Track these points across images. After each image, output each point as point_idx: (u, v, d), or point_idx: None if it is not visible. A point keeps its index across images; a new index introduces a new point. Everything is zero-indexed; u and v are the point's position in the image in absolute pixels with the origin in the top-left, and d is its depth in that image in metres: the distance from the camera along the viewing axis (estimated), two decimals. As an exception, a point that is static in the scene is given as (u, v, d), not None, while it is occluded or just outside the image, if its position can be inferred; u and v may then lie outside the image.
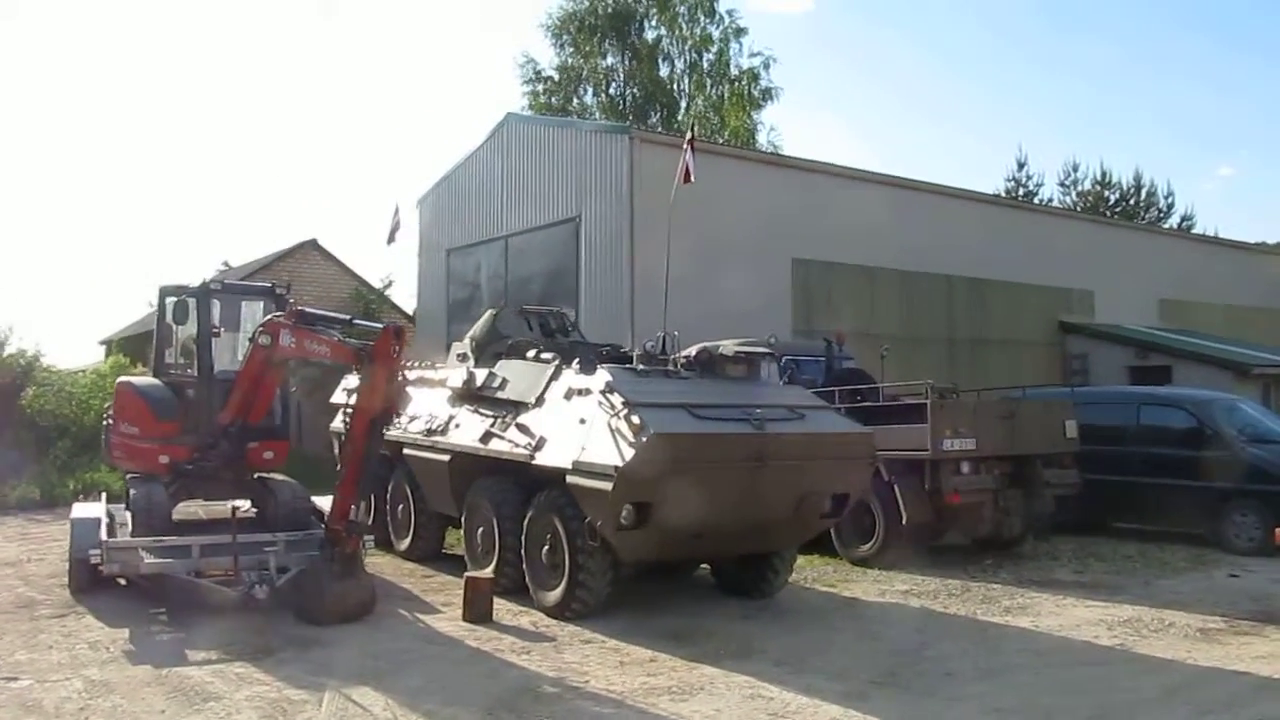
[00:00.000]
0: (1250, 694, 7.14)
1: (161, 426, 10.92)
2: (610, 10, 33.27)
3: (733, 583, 10.48)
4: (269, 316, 10.32)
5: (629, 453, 8.43)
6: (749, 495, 9.00)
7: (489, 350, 11.92)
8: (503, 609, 9.56)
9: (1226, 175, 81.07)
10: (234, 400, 10.57)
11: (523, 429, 9.92)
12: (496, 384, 10.89)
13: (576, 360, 10.01)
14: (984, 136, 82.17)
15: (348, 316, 10.26)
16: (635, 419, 8.56)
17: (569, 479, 9.01)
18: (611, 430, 8.71)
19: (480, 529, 10.69)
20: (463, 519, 11.02)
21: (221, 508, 11.31)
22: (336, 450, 14.82)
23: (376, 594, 9.47)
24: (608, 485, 8.52)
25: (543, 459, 9.43)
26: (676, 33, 34.30)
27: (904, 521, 11.83)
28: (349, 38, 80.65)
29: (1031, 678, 7.49)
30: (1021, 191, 41.53)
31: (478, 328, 12.44)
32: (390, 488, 12.92)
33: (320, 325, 9.89)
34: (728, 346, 10.05)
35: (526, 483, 9.93)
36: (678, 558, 9.74)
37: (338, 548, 9.14)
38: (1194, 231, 40.30)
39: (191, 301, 11.05)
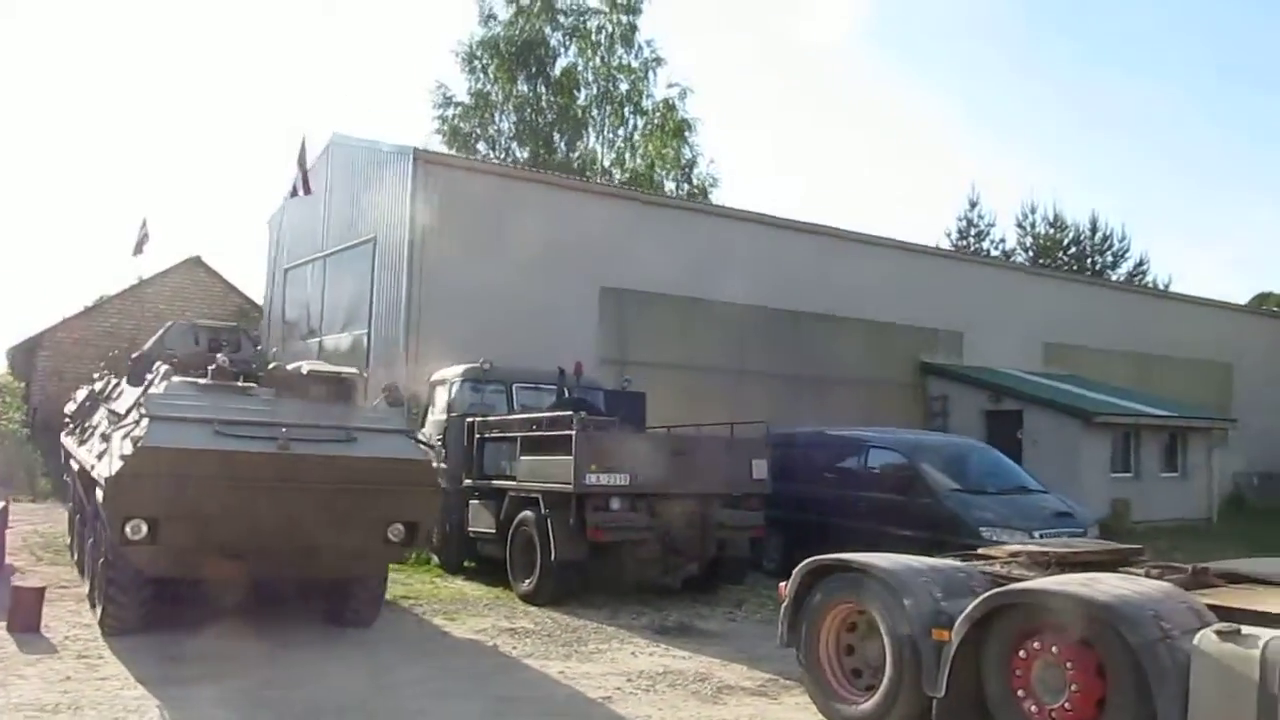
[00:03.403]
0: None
1: None
2: (524, 37, 33.23)
3: (328, 609, 10.21)
4: None
5: (118, 465, 8.27)
6: (277, 517, 8.70)
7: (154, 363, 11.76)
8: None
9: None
10: None
11: (105, 440, 9.77)
12: (116, 398, 10.78)
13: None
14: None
15: None
16: (140, 432, 8.36)
17: (97, 492, 8.88)
18: (120, 442, 8.56)
19: (91, 540, 10.56)
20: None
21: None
22: (64, 460, 14.82)
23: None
24: (102, 497, 8.40)
25: (95, 473, 9.30)
26: (588, 61, 34.26)
27: (553, 558, 11.42)
28: (264, 50, 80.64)
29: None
30: (973, 231, 40.73)
31: (149, 343, 12.30)
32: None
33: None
34: (306, 366, 9.78)
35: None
36: (217, 577, 9.41)
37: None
38: (1142, 282, 39.41)
39: None
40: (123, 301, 25.75)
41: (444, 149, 31.84)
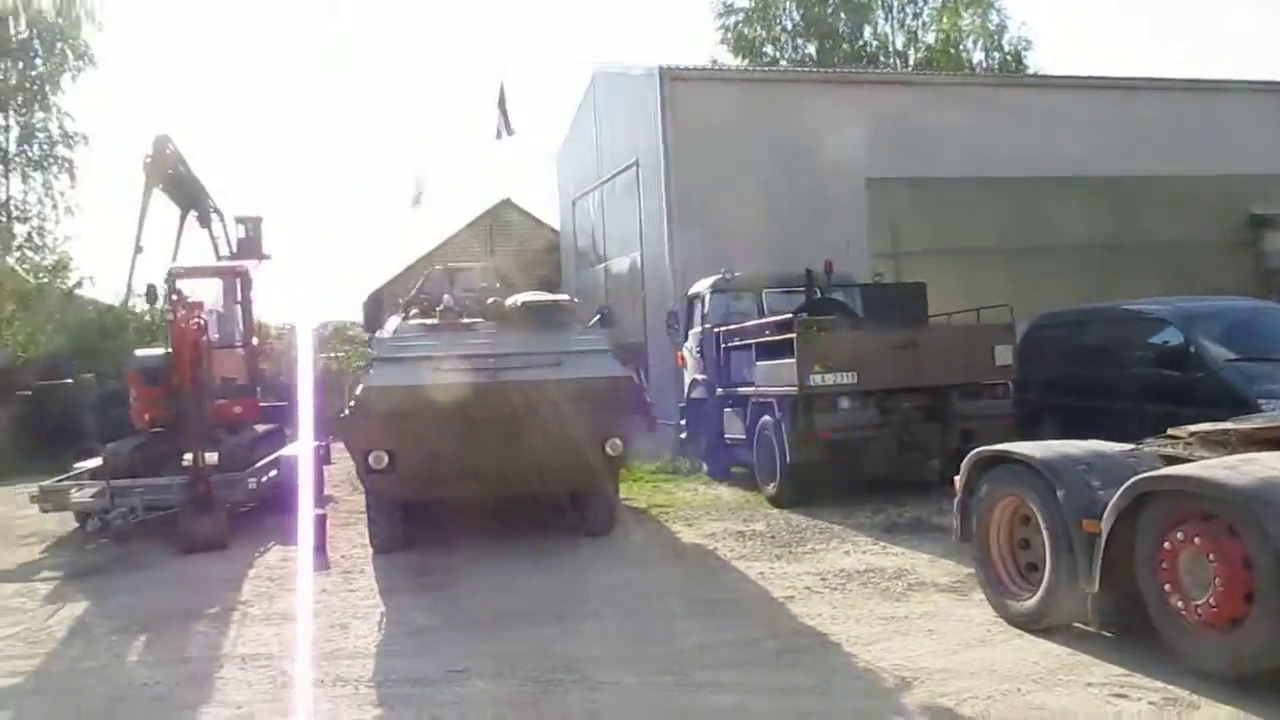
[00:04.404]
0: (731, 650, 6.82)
1: (148, 391, 13.07)
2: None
3: (567, 521, 11.04)
4: (174, 295, 12.09)
5: (351, 404, 9.40)
6: (498, 441, 9.46)
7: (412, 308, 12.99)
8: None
9: None
10: (178, 367, 12.48)
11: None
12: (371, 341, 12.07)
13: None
14: None
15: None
16: (371, 371, 9.46)
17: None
18: (356, 383, 9.70)
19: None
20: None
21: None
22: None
23: (227, 530, 11.03)
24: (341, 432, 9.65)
25: (346, 412, 10.56)
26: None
27: (788, 460, 11.58)
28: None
29: (585, 625, 7.54)
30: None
31: (413, 290, 13.52)
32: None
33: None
34: (522, 298, 10.46)
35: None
36: (458, 497, 10.41)
37: (195, 490, 10.90)
38: None
39: (160, 285, 13.13)
40: (446, 249, 28.02)
41: (730, 59, 31.93)
